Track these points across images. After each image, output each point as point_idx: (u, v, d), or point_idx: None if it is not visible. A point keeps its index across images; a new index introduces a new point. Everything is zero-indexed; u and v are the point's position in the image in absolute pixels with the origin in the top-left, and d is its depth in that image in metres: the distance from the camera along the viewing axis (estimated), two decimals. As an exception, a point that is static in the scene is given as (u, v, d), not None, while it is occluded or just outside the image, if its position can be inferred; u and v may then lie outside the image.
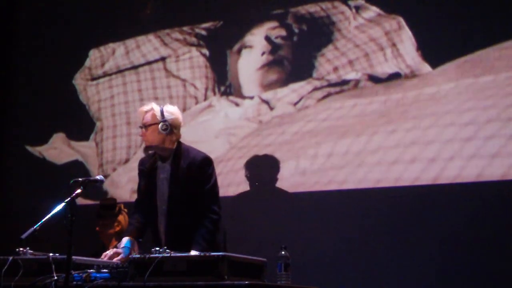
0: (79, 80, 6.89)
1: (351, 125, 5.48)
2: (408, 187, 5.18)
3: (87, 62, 6.88)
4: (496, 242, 4.89)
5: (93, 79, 6.84)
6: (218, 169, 5.78)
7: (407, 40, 5.45)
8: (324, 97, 5.72)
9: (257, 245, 5.18)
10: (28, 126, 7.03)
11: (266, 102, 6.00)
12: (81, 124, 6.80)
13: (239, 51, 6.19)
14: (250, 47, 6.13)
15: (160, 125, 4.03)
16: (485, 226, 4.91)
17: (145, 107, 4.13)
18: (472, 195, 4.98)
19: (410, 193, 5.17)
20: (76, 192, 3.52)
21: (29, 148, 6.93)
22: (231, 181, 5.85)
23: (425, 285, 5.02)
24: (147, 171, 4.14)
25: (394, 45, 5.51)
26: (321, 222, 5.42)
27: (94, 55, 6.87)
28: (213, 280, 3.21)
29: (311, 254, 5.27)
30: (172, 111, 4.11)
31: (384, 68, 5.52)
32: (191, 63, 6.39)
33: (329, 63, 5.76)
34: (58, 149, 6.84)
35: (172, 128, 4.06)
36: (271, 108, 5.95)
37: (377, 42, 5.57)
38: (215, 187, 4.10)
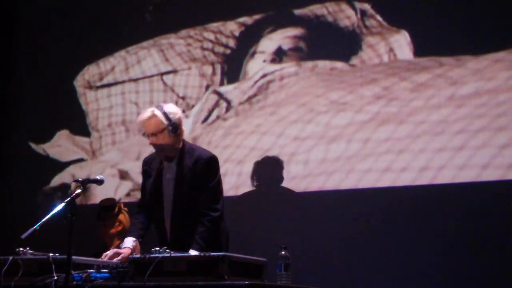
0: (80, 83, 6.89)
1: (344, 130, 5.48)
2: (409, 187, 5.18)
3: (86, 76, 6.89)
4: (495, 242, 4.88)
5: (92, 87, 6.85)
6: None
7: (405, 46, 5.44)
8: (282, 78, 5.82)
9: (257, 245, 5.18)
10: (31, 123, 7.02)
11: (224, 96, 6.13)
12: (84, 120, 6.79)
13: (253, 55, 6.21)
14: (263, 52, 6.15)
15: (169, 129, 4.01)
16: (484, 226, 4.91)
17: (146, 115, 4.03)
18: (470, 195, 4.98)
19: (410, 193, 5.16)
20: (76, 192, 3.52)
21: (33, 145, 6.92)
22: (228, 184, 5.85)
23: (425, 285, 5.02)
24: (153, 171, 4.13)
25: (391, 50, 5.50)
26: (321, 222, 5.42)
27: (92, 71, 6.87)
28: (213, 280, 3.21)
29: (311, 254, 5.27)
30: (173, 110, 4.07)
31: (379, 73, 5.51)
32: (187, 81, 6.41)
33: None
34: (62, 147, 6.83)
35: (178, 127, 4.05)
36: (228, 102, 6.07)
37: (375, 48, 5.57)
38: (218, 185, 4.08)
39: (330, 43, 5.77)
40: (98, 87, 6.79)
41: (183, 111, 6.21)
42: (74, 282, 3.44)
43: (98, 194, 6.18)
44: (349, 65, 5.60)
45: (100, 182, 3.77)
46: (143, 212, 4.17)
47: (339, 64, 5.64)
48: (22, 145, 6.97)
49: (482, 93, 5.10)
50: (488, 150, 4.97)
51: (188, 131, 5.81)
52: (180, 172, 4.03)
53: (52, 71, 6.98)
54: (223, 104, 6.10)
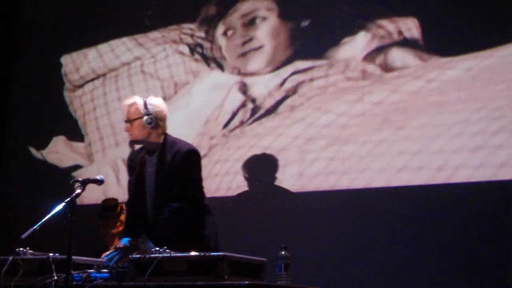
0: (66, 93, 6.90)
1: (354, 129, 5.45)
2: (409, 187, 5.17)
3: (62, 69, 6.92)
4: (497, 242, 4.87)
5: (75, 87, 6.83)
6: (215, 169, 5.79)
7: (414, 29, 5.38)
8: (311, 80, 5.68)
9: (257, 245, 5.17)
10: (29, 128, 7.03)
11: (245, 85, 6.00)
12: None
13: (225, 33, 6.17)
14: (234, 28, 6.11)
15: (144, 119, 3.99)
16: (487, 226, 4.90)
17: (128, 101, 4.08)
18: (474, 194, 4.95)
19: (411, 193, 5.15)
20: (76, 192, 3.52)
21: (32, 151, 6.92)
22: (230, 184, 5.82)
23: (425, 285, 5.01)
24: (136, 166, 4.11)
25: (400, 33, 5.43)
26: (321, 222, 5.41)
27: (66, 60, 6.90)
28: (213, 280, 3.21)
29: (311, 254, 5.26)
30: (156, 103, 4.05)
31: (393, 55, 5.43)
32: (167, 61, 6.37)
33: (325, 45, 5.71)
34: (59, 153, 6.82)
35: (157, 120, 4.01)
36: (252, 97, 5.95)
37: (385, 29, 5.48)
38: (193, 178, 4.03)
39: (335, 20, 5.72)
40: (79, 86, 6.79)
41: (175, 92, 6.25)
42: (74, 282, 3.45)
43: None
44: (380, 69, 5.49)
45: (100, 182, 3.76)
46: (132, 210, 4.18)
47: (370, 67, 5.49)
48: (21, 148, 6.98)
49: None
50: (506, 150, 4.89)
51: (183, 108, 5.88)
52: (160, 165, 4.00)
53: (49, 74, 7.01)
54: (249, 105, 5.93)
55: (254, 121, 5.87)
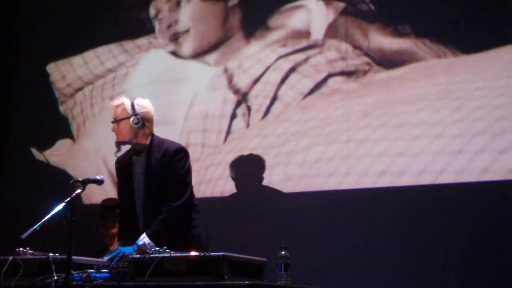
0: (62, 108, 6.90)
1: (343, 131, 5.44)
2: (408, 187, 5.17)
3: (50, 77, 6.93)
4: (497, 242, 4.87)
5: (65, 96, 6.83)
6: (208, 174, 5.77)
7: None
8: (292, 69, 5.64)
9: (257, 245, 5.18)
10: (30, 129, 7.03)
11: (228, 72, 5.93)
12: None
13: (156, 16, 6.23)
14: (162, 11, 6.18)
15: (131, 119, 4.01)
16: (488, 226, 4.90)
17: (116, 102, 4.11)
18: (475, 195, 4.95)
19: (411, 192, 5.16)
20: (76, 192, 3.52)
21: (34, 151, 6.92)
22: (223, 188, 5.82)
23: (424, 285, 5.01)
24: (123, 167, 4.13)
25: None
26: (321, 222, 5.42)
27: (51, 68, 6.92)
28: (213, 280, 3.21)
29: (311, 254, 5.26)
30: (143, 104, 4.08)
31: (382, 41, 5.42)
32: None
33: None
34: (62, 156, 6.81)
35: (144, 121, 4.04)
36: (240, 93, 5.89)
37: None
38: (186, 176, 4.04)
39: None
40: (70, 96, 6.79)
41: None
42: (74, 282, 3.45)
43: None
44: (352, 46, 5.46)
45: (100, 182, 3.77)
46: (124, 212, 4.19)
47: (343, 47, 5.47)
48: (22, 148, 6.98)
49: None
50: (488, 155, 4.90)
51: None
52: (148, 166, 4.03)
53: (48, 75, 7.00)
54: (244, 105, 5.84)
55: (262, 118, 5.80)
